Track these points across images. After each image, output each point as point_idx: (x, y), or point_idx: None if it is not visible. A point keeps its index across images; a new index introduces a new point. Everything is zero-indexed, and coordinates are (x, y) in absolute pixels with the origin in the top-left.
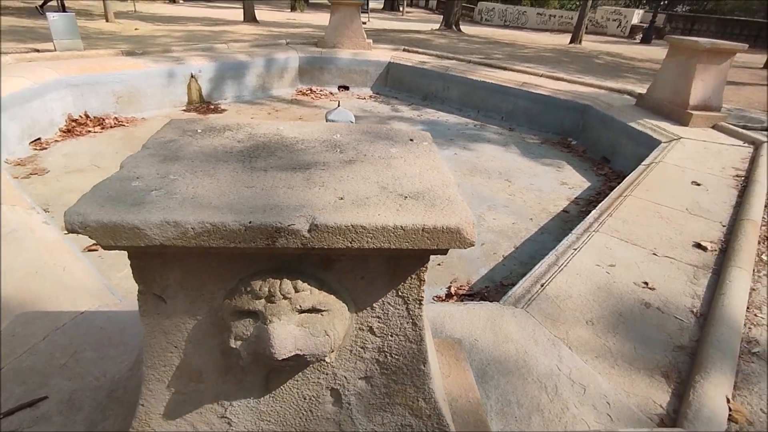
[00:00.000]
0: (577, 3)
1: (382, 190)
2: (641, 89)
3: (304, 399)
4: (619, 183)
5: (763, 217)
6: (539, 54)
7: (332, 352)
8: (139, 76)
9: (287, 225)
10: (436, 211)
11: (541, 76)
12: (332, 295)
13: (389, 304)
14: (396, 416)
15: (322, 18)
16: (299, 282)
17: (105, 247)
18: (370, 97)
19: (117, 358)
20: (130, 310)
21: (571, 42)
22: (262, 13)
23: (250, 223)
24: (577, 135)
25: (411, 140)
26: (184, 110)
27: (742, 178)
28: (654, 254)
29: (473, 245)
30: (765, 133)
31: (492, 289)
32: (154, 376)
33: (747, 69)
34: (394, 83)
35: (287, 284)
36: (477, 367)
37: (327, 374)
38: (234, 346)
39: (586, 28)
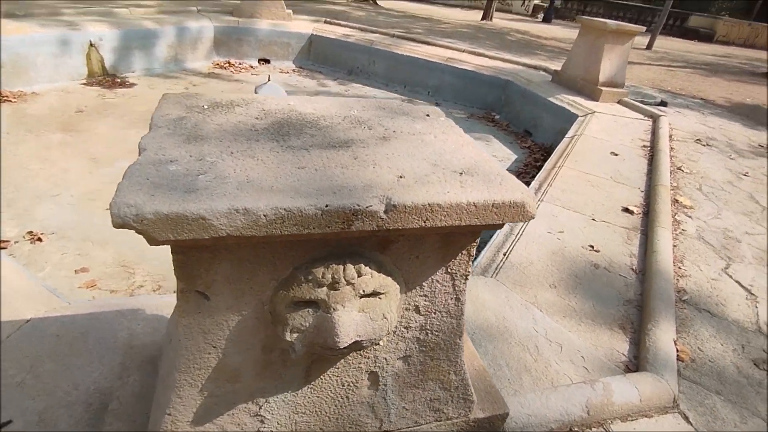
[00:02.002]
0: None
1: (434, 167)
2: (552, 65)
3: (342, 386)
4: (541, 155)
5: (670, 182)
6: (456, 30)
7: (387, 335)
8: (24, 42)
9: (365, 207)
10: (496, 186)
11: (463, 51)
12: (389, 277)
13: (437, 281)
14: (427, 392)
15: None
16: (362, 266)
17: (157, 243)
18: (294, 71)
19: (85, 367)
20: (84, 313)
21: (482, 18)
22: None
23: (326, 206)
24: (500, 109)
25: (427, 116)
26: (84, 84)
27: (648, 148)
28: (593, 219)
29: (534, 218)
30: (659, 107)
31: None
32: (187, 380)
33: (633, 50)
34: (318, 57)
35: (351, 269)
36: None
37: (368, 358)
38: (290, 339)
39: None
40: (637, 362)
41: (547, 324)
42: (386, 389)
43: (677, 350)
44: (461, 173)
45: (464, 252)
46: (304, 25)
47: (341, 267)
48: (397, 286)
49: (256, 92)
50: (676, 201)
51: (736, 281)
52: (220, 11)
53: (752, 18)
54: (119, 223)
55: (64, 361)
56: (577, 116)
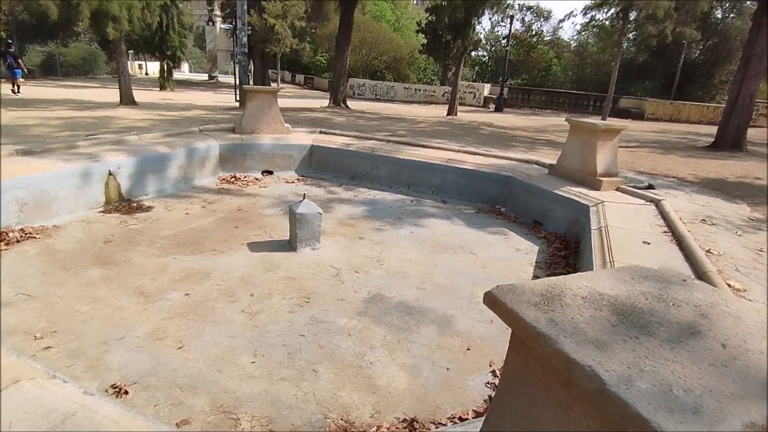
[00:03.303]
0: (432, 78)
1: None
2: (535, 157)
3: None
4: (560, 243)
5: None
6: (435, 128)
7: None
8: (49, 179)
9: None
10: None
11: (458, 151)
12: None
13: None
14: None
15: (199, 96)
16: None
17: None
18: (298, 180)
19: None
20: None
21: (448, 114)
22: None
23: None
24: (504, 202)
25: (684, 280)
26: (102, 211)
27: (670, 234)
28: None
29: None
30: (650, 191)
31: None
32: None
33: None
34: (319, 165)
35: None
36: None
37: None
38: None
39: (447, 98)
40: None
41: None
42: None
43: None
44: None
45: None
46: (303, 137)
47: None
48: None
49: (292, 209)
50: (729, 285)
51: None
52: (220, 129)
53: (671, 98)
54: None
55: None
56: (587, 206)
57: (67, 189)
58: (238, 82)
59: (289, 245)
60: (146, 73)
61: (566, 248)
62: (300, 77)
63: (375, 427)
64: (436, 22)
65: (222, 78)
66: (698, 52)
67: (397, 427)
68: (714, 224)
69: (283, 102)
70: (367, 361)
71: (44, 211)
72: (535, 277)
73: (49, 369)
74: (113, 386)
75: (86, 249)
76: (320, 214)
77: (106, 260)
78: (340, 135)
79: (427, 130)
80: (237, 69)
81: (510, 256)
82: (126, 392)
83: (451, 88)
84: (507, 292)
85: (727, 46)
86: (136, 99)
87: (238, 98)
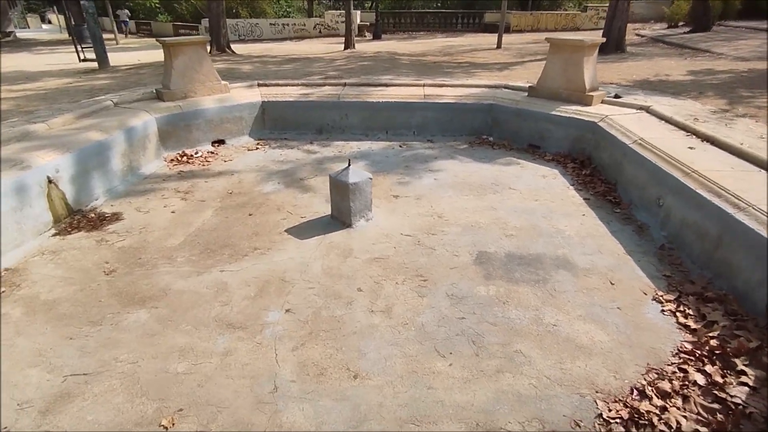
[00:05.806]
0: (288, 10)
1: None
2: (483, 81)
3: None
4: (575, 163)
5: None
6: (358, 64)
7: None
8: None
9: None
10: None
11: (423, 86)
12: None
13: None
14: None
15: (20, 61)
16: None
17: None
18: (258, 145)
19: None
20: None
21: (345, 48)
22: None
23: None
24: (490, 131)
25: None
26: (57, 234)
27: (693, 136)
28: None
29: None
30: (621, 99)
31: (680, 279)
32: None
33: (494, 51)
34: (275, 124)
35: None
36: None
37: None
38: None
39: (320, 31)
40: None
41: None
42: None
43: None
44: None
45: None
46: (246, 93)
47: None
48: None
49: (340, 180)
50: None
51: None
52: (140, 99)
53: (529, 9)
54: None
55: None
56: (592, 123)
57: (5, 215)
58: (75, 37)
59: (337, 221)
60: None
61: (583, 166)
62: (130, 23)
63: (631, 388)
64: None
65: (21, 34)
66: None
67: (647, 379)
68: (706, 121)
69: (147, 57)
70: (548, 324)
71: None
72: (586, 199)
73: None
74: None
75: (90, 289)
76: (371, 179)
77: (136, 297)
78: (285, 85)
79: (354, 67)
80: (87, 20)
81: (545, 184)
82: None
83: (322, 20)
84: None
85: None
86: None
87: (84, 57)
